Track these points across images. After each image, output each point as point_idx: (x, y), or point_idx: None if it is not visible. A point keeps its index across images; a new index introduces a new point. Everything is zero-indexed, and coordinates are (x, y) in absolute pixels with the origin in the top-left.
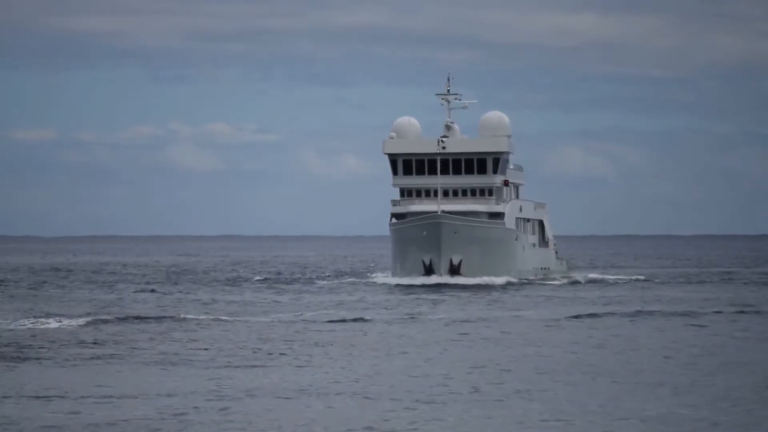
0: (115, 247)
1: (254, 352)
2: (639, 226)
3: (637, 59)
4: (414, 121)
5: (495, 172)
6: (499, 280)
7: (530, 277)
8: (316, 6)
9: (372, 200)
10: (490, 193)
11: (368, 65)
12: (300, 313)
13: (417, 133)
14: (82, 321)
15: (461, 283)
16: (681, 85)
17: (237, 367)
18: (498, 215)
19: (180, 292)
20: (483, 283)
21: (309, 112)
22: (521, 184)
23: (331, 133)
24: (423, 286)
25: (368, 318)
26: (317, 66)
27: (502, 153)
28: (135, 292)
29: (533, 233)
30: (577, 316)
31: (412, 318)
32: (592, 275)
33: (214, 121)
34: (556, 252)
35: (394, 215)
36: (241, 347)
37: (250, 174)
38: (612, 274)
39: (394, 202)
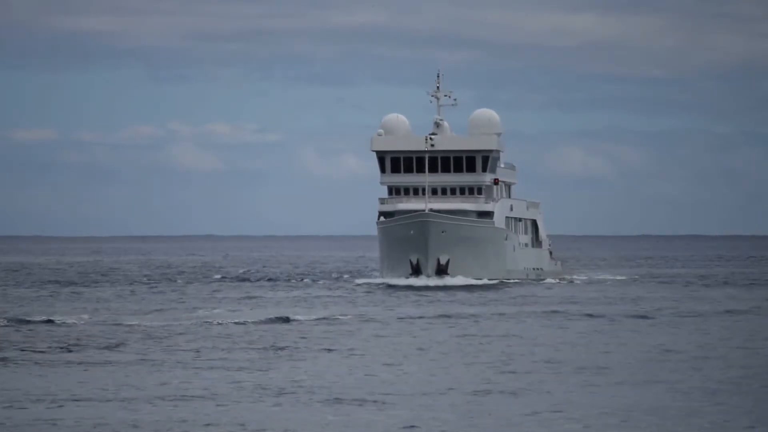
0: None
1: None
2: (639, 226)
3: (637, 59)
4: (402, 118)
5: (484, 170)
6: (489, 281)
7: (521, 278)
8: (316, 6)
9: (372, 200)
10: (480, 192)
11: (368, 65)
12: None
13: (406, 130)
14: None
15: (448, 284)
16: (681, 85)
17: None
18: (487, 214)
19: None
20: (471, 283)
21: (309, 112)
22: (513, 183)
23: (331, 133)
24: (392, 286)
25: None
26: (317, 66)
27: (491, 151)
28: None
29: (525, 233)
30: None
31: (285, 320)
32: (587, 276)
33: (214, 121)
34: (551, 252)
35: (381, 214)
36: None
37: (250, 174)
38: (610, 275)
39: (382, 201)
